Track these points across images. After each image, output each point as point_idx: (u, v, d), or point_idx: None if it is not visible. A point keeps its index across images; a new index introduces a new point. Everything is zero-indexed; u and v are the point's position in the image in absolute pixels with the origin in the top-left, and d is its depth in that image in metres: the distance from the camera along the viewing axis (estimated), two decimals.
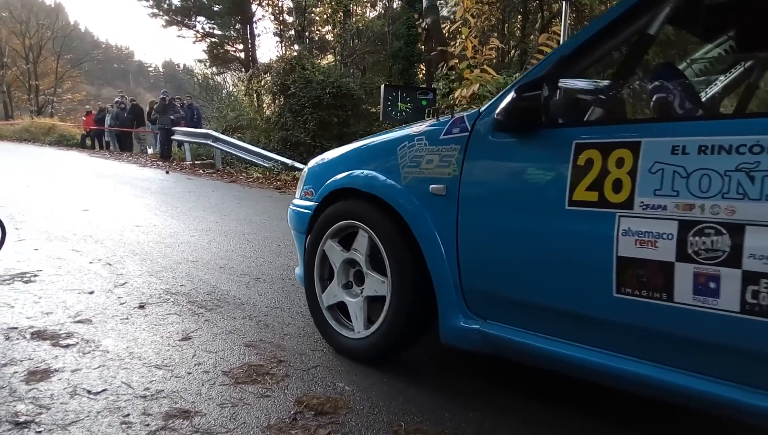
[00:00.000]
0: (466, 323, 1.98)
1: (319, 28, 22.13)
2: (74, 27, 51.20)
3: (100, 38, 62.08)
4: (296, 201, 2.78)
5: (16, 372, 2.13)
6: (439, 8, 13.81)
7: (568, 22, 5.99)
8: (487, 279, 1.95)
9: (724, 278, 1.40)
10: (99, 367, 2.20)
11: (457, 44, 10.19)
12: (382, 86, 6.24)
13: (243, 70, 22.27)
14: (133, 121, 18.07)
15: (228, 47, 25.02)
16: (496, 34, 13.14)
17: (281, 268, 3.99)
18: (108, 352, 2.35)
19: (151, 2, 24.82)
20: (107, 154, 17.57)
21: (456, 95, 9.25)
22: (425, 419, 1.91)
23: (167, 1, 24.85)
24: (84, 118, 22.36)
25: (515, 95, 1.79)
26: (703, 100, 2.18)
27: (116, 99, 19.74)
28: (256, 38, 24.22)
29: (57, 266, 3.74)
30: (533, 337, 1.83)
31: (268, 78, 16.51)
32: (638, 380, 1.61)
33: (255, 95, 17.98)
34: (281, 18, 22.56)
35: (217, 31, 24.81)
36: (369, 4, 22.00)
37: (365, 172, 2.32)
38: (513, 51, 15.43)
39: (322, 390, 2.09)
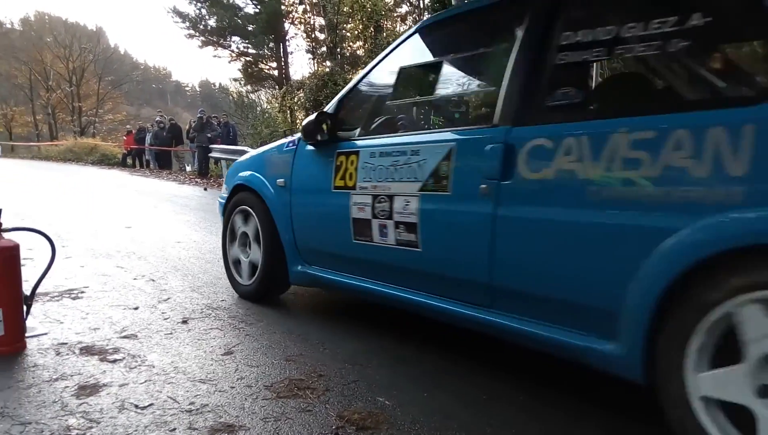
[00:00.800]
0: (301, 269, 3.11)
1: (351, 43, 22.38)
2: (114, 50, 52.99)
3: (138, 60, 64.07)
4: (221, 194, 3.85)
5: (67, 386, 2.20)
6: None
7: None
8: (305, 238, 3.05)
9: (388, 227, 2.51)
10: (145, 381, 2.26)
11: None
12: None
13: (276, 87, 22.66)
14: (172, 140, 18.58)
15: (262, 65, 25.52)
16: None
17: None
18: (154, 367, 2.41)
19: (187, 24, 25.54)
20: (147, 172, 18.09)
21: None
22: None
23: (203, 23, 25.53)
24: (125, 138, 23.09)
25: (308, 122, 2.90)
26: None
27: (156, 118, 20.35)
28: (289, 56, 24.67)
29: (103, 282, 3.86)
30: (330, 273, 2.96)
31: (301, 94, 16.78)
32: (376, 293, 2.71)
33: (288, 111, 18.26)
34: (313, 35, 22.91)
35: (251, 50, 25.35)
36: (399, 19, 22.18)
37: (250, 172, 3.42)
38: None
39: (363, 404, 2.09)
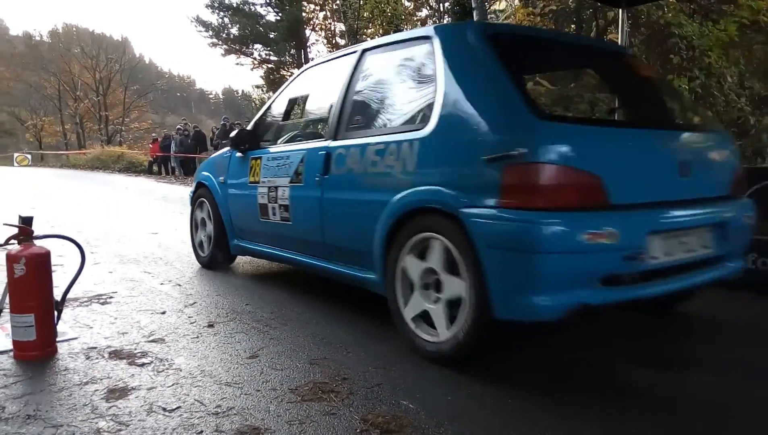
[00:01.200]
0: (236, 242, 4.22)
1: None
2: (140, 59, 53.98)
3: (163, 69, 65.23)
4: (191, 189, 5.00)
5: (97, 390, 2.25)
6: (491, 22, 13.78)
7: (626, 29, 5.84)
8: (236, 220, 4.17)
9: (276, 208, 3.55)
10: (173, 385, 2.29)
11: None
12: None
13: None
14: (196, 147, 18.84)
15: (284, 72, 25.73)
16: None
17: (342, 285, 4.03)
18: (181, 370, 2.44)
19: (211, 32, 25.91)
20: (173, 179, 18.37)
21: None
22: None
23: (226, 31, 25.87)
24: (150, 146, 23.50)
25: (234, 135, 4.15)
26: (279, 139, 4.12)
27: (178, 126, 20.65)
28: (310, 62, 24.89)
29: (130, 288, 3.94)
30: (251, 244, 4.07)
31: None
32: (313, 266, 3.46)
33: None
34: (333, 41, 23.08)
35: (273, 57, 25.62)
36: (419, 23, 22.19)
37: (206, 173, 4.55)
38: None
39: (387, 408, 2.09)
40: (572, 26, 14.80)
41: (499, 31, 3.14)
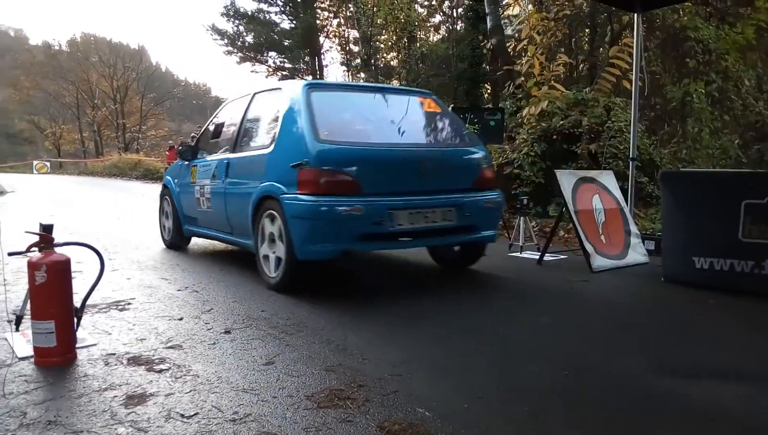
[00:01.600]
0: (186, 227, 5.64)
1: (384, 55, 22.55)
2: (156, 67, 54.61)
3: (179, 77, 65.76)
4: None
5: (116, 396, 2.27)
6: (504, 27, 13.75)
7: (641, 33, 5.80)
8: (185, 210, 5.59)
9: (204, 201, 5.10)
10: (190, 391, 2.31)
11: (523, 62, 10.10)
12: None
13: None
14: None
15: (298, 79, 25.96)
16: (563, 50, 12.90)
17: (356, 291, 4.05)
18: (198, 377, 2.46)
19: (226, 41, 26.20)
20: None
21: (524, 113, 9.14)
22: None
23: (241, 39, 26.14)
24: (167, 153, 23.67)
25: (181, 148, 5.98)
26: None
27: (193, 134, 20.82)
28: (324, 69, 25.00)
29: (148, 294, 3.98)
30: (195, 227, 5.51)
31: None
32: (226, 240, 4.99)
33: None
34: (347, 48, 23.20)
35: (287, 65, 25.83)
36: (432, 29, 22.23)
37: (167, 177, 6.05)
38: (581, 65, 15.10)
39: (403, 416, 2.09)
40: (586, 30, 14.75)
41: (317, 86, 4.48)
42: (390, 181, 3.88)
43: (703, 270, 4.15)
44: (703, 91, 9.56)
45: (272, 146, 4.13)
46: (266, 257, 4.13)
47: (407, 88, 5.73)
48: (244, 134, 4.77)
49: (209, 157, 5.19)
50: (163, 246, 6.13)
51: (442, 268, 4.97)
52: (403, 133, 4.35)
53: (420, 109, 4.76)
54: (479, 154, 4.47)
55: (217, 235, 5.10)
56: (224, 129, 5.25)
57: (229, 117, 5.28)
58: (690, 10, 9.94)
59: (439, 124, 4.81)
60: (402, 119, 4.51)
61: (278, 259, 3.96)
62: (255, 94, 4.90)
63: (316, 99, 4.06)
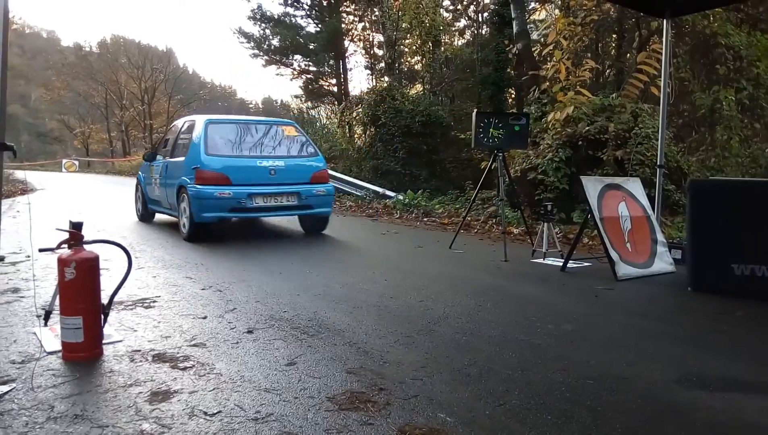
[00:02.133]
0: (149, 206, 8.40)
1: (409, 59, 22.53)
2: (183, 69, 55.28)
3: (206, 79, 66.51)
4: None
5: (141, 392, 2.31)
6: (530, 32, 13.65)
7: (670, 39, 5.71)
8: (148, 195, 8.34)
9: (158, 189, 7.74)
10: (214, 389, 2.34)
11: (549, 67, 10.02)
12: (474, 112, 6.17)
13: (336, 103, 23.05)
14: None
15: (322, 82, 26.04)
16: (590, 55, 12.76)
17: (378, 295, 4.04)
18: (221, 375, 2.48)
19: (252, 44, 26.39)
20: None
21: (549, 118, 9.06)
22: None
23: (267, 42, 26.32)
24: None
25: (146, 153, 8.83)
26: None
27: None
28: (349, 72, 25.02)
29: (173, 293, 4.03)
30: (154, 207, 8.23)
31: (359, 109, 16.97)
32: (168, 213, 7.61)
33: (347, 126, 18.52)
34: (372, 52, 23.22)
35: (312, 68, 25.91)
36: (457, 33, 22.16)
37: (140, 173, 8.85)
38: (608, 71, 14.91)
39: (424, 420, 2.08)
40: (613, 36, 14.57)
41: (214, 121, 6.98)
42: (249, 177, 6.50)
43: (743, 277, 4.13)
44: (734, 98, 9.38)
45: (186, 156, 6.81)
46: (183, 224, 6.67)
47: (275, 119, 8.80)
48: (175, 146, 7.47)
49: (160, 160, 7.81)
50: (186, 243, 6.22)
51: (304, 232, 7.54)
52: (262, 148, 6.94)
53: (281, 133, 7.31)
54: (315, 163, 7.17)
55: (164, 210, 7.71)
56: (169, 141, 7.91)
57: (172, 134, 7.99)
58: (721, 16, 9.76)
59: (291, 143, 7.26)
60: (265, 140, 7.06)
61: (186, 222, 6.56)
62: (185, 121, 7.75)
63: (211, 129, 6.79)
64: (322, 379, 2.45)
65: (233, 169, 6.40)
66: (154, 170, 7.85)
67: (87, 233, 2.82)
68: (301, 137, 7.42)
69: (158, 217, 8.56)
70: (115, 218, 8.93)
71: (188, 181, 6.39)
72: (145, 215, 8.55)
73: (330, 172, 13.80)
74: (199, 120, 7.01)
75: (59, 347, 2.74)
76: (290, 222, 8.16)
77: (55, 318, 2.87)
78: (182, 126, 7.55)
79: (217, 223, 6.49)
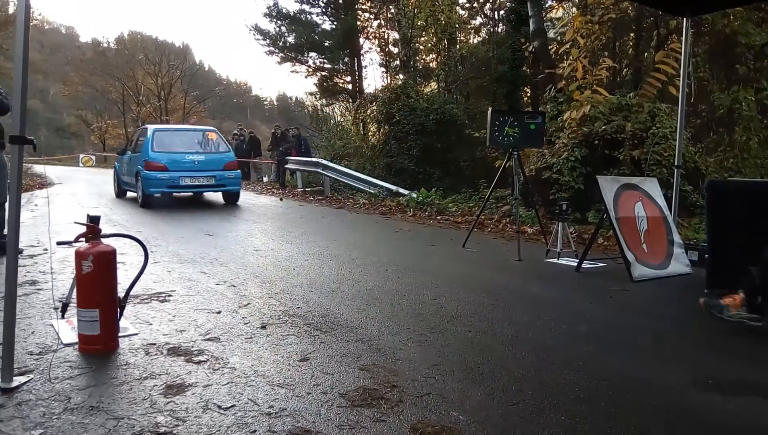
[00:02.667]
0: (122, 187, 11.86)
1: (424, 56, 22.49)
2: (199, 66, 55.73)
3: (221, 75, 66.96)
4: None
5: (156, 385, 2.33)
6: (546, 30, 13.55)
7: (689, 39, 5.64)
8: (120, 179, 11.83)
9: (128, 176, 11.11)
10: (228, 383, 2.35)
11: (566, 66, 9.94)
12: (489, 111, 6.13)
13: (350, 100, 23.08)
14: (251, 151, 19.28)
15: (337, 79, 26.10)
16: (607, 54, 12.64)
17: (391, 292, 4.05)
18: (235, 370, 2.50)
19: (268, 41, 26.51)
20: None
21: (565, 117, 8.99)
22: None
23: (283, 40, 26.41)
24: None
25: (120, 148, 13.69)
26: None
27: (234, 131, 21.20)
28: (363, 70, 25.04)
29: (188, 287, 4.06)
30: (126, 187, 11.53)
31: (373, 107, 16.99)
32: (133, 190, 11.22)
33: (361, 124, 18.55)
34: (387, 49, 23.19)
35: (327, 65, 25.96)
36: (473, 31, 22.08)
37: (116, 163, 12.75)
38: (626, 70, 14.78)
39: (437, 418, 2.08)
40: (631, 34, 14.42)
41: (159, 129, 10.98)
42: (180, 166, 9.86)
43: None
44: (753, 98, 9.24)
45: (141, 152, 10.10)
46: (139, 196, 9.98)
47: (203, 127, 12.24)
48: (136, 145, 10.80)
49: (128, 155, 10.97)
50: (200, 239, 6.26)
51: (224, 203, 10.87)
52: (190, 146, 10.37)
53: (204, 137, 10.80)
54: (226, 157, 10.63)
55: (129, 188, 10.95)
56: (133, 142, 11.29)
57: (137, 135, 11.37)
58: (741, 15, 9.61)
59: (211, 143, 10.70)
60: (193, 141, 10.57)
61: (140, 195, 9.89)
62: (144, 127, 11.05)
63: (157, 134, 10.35)
64: (335, 375, 2.46)
65: (169, 161, 9.82)
66: (124, 161, 11.25)
67: (102, 227, 2.85)
68: (218, 139, 10.94)
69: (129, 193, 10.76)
70: (130, 212, 9.02)
71: (141, 168, 9.83)
72: (119, 193, 11.87)
73: (343, 169, 13.98)
74: (150, 128, 10.73)
75: (76, 339, 2.78)
76: (298, 223, 8.15)
77: (72, 310, 2.91)
78: (144, 130, 11.01)
79: (160, 196, 10.02)
